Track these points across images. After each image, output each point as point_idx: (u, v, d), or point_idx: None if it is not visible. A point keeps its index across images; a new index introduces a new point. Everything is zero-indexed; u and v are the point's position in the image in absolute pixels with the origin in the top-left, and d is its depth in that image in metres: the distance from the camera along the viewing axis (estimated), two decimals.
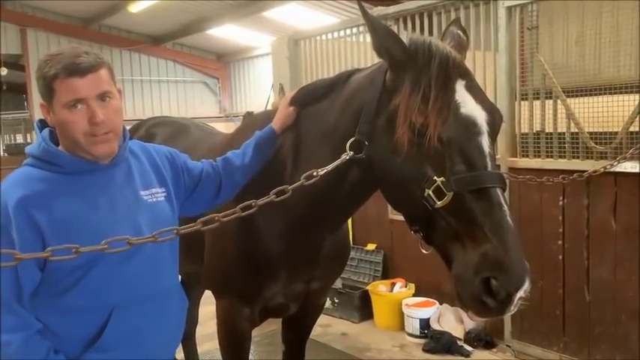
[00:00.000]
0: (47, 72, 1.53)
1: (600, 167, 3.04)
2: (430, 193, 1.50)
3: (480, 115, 1.55)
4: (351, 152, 1.72)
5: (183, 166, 1.94)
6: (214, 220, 1.54)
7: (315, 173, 1.70)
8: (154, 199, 1.75)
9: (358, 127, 1.73)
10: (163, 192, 1.79)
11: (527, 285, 1.40)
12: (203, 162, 2.05)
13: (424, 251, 1.64)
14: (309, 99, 2.05)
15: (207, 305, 3.84)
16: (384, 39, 1.65)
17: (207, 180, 2.00)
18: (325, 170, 1.71)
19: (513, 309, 1.43)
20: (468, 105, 1.55)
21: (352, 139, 1.73)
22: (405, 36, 4.40)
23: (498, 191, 1.48)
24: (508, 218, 1.45)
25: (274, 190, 1.65)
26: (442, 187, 1.49)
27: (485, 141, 1.53)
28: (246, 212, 1.59)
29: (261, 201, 1.61)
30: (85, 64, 1.53)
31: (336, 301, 4.82)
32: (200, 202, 1.99)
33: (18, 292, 1.51)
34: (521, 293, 1.40)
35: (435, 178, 1.51)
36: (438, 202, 1.49)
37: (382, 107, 1.67)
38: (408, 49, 1.63)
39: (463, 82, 1.58)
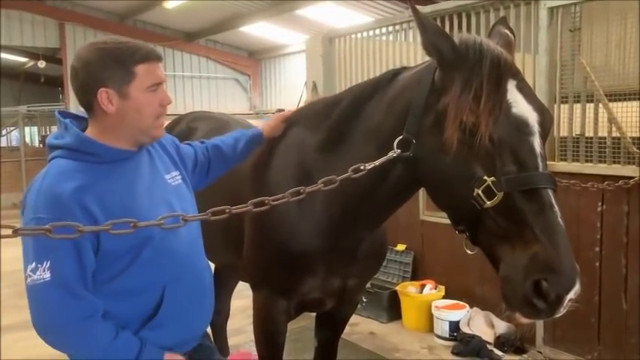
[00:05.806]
0: (130, 56, 1.58)
1: None
2: (480, 192, 1.50)
3: (531, 116, 1.54)
4: (399, 150, 1.72)
5: (184, 150, 2.03)
6: (264, 203, 1.56)
7: (362, 167, 1.71)
8: (176, 182, 1.83)
9: (406, 125, 1.73)
10: (179, 175, 1.87)
11: (577, 287, 1.39)
12: (194, 146, 2.12)
13: (469, 252, 1.63)
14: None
15: (237, 299, 3.88)
16: (433, 37, 1.64)
17: (199, 164, 2.11)
18: (373, 165, 1.72)
19: (563, 311, 1.42)
20: (520, 105, 1.53)
21: (400, 137, 1.73)
22: None
23: (550, 192, 1.47)
24: (559, 219, 1.44)
25: (322, 180, 1.67)
26: (492, 187, 1.48)
27: (536, 141, 1.51)
28: (295, 197, 1.63)
29: (310, 188, 1.64)
30: (158, 52, 1.67)
31: (365, 300, 4.80)
32: (194, 181, 2.05)
33: (82, 275, 1.53)
34: (571, 295, 1.39)
35: (485, 177, 1.50)
36: (488, 202, 1.49)
37: (430, 106, 1.67)
38: (458, 47, 1.62)
39: (514, 82, 1.57)
